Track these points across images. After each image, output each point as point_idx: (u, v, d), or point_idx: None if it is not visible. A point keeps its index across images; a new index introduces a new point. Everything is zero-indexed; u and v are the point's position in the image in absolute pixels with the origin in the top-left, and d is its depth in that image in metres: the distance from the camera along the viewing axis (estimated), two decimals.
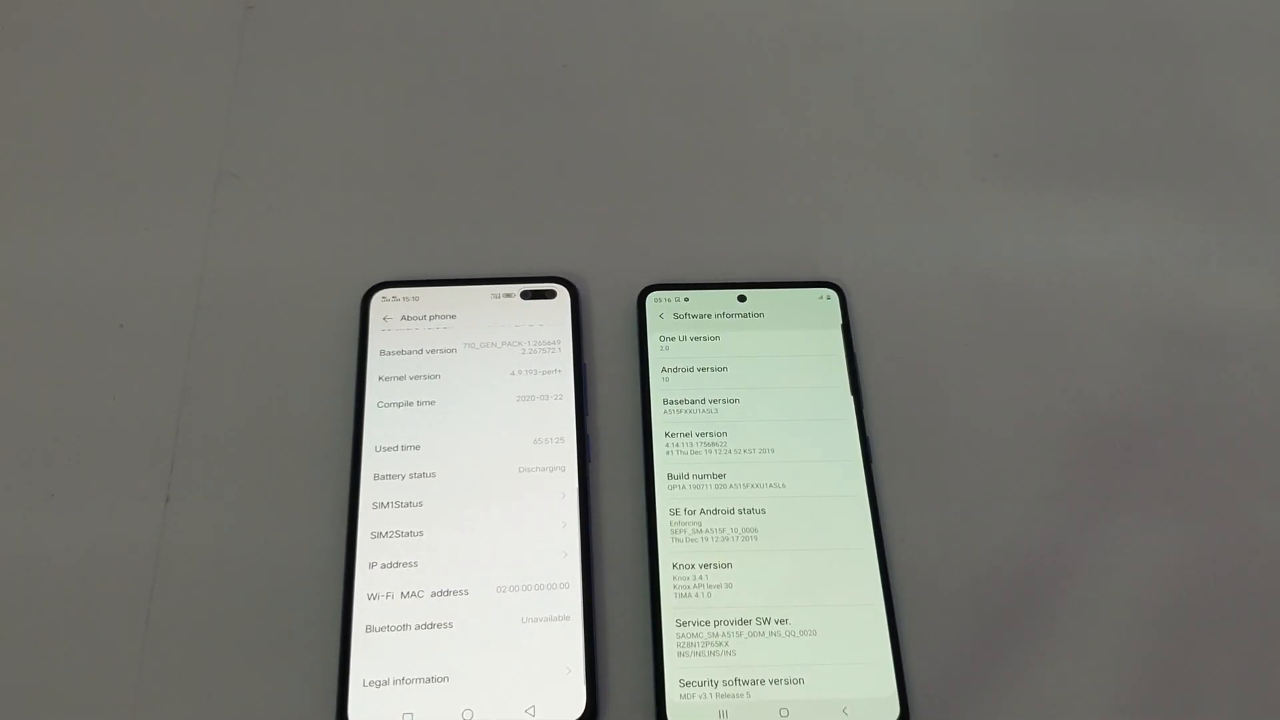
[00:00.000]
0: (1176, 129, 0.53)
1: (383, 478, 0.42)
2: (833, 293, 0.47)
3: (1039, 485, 0.43)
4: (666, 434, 0.43)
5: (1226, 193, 0.51)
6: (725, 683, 0.38)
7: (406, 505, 0.41)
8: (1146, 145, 0.52)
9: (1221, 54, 0.55)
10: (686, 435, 0.43)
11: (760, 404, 0.44)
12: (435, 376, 0.44)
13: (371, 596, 0.39)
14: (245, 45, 0.53)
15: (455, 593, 0.39)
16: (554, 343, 0.45)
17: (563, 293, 0.46)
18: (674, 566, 0.40)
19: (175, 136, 0.51)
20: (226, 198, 0.49)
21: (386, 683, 0.38)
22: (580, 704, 0.38)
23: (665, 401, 0.44)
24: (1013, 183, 0.51)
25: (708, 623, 0.39)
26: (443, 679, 0.38)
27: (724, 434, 0.43)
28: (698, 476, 0.42)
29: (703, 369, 0.45)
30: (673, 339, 0.46)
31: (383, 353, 0.44)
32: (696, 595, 0.40)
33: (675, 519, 0.41)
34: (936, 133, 0.52)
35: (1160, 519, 0.43)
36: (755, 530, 0.41)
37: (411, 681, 0.38)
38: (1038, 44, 0.55)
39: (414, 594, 0.39)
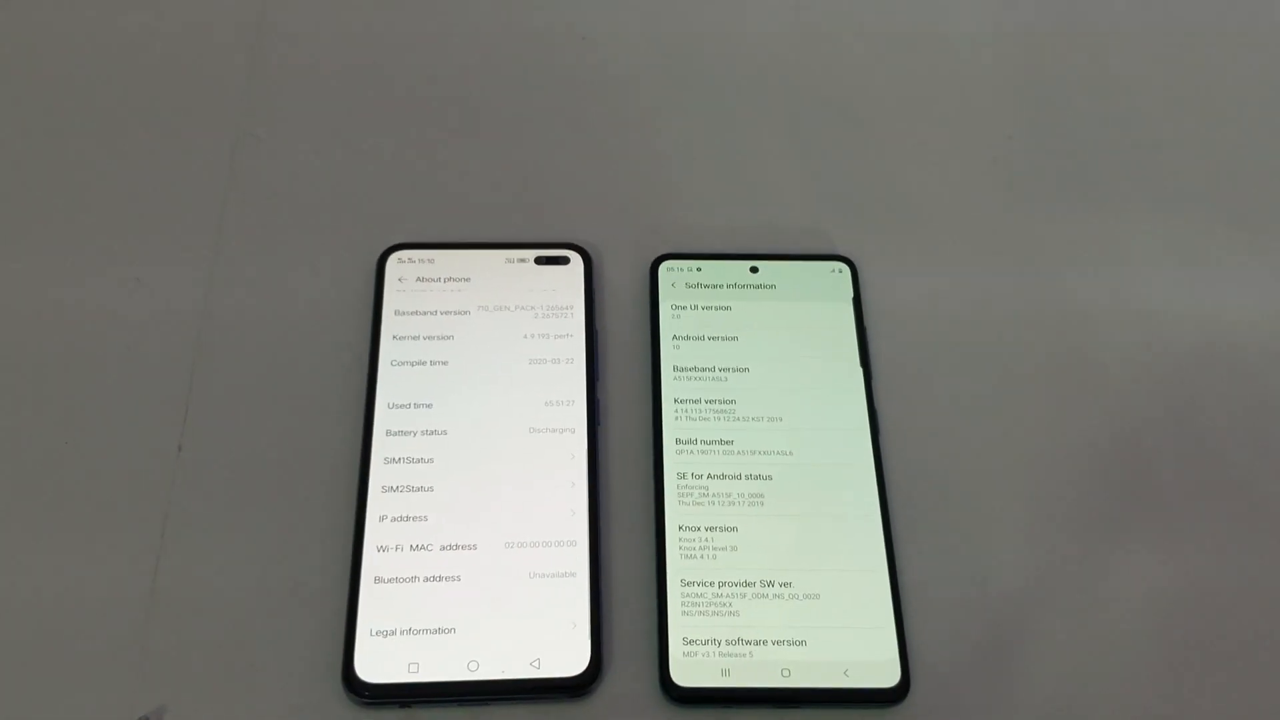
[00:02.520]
0: (1182, 122, 0.53)
1: (395, 434, 0.42)
2: (845, 266, 0.47)
3: (1045, 461, 0.44)
4: (676, 400, 0.44)
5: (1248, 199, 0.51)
6: (728, 642, 0.39)
7: (418, 461, 0.42)
8: (1157, 129, 0.53)
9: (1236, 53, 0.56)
10: (695, 402, 0.44)
11: (770, 373, 0.44)
12: (449, 337, 0.44)
13: (381, 549, 0.40)
14: (267, 6, 0.54)
15: (464, 547, 0.40)
16: (567, 308, 0.46)
17: (576, 259, 0.47)
18: (680, 528, 0.41)
19: (195, 96, 0.51)
20: (245, 157, 0.50)
21: (394, 633, 0.38)
22: (584, 659, 0.38)
23: (675, 369, 0.44)
24: (1026, 161, 0.51)
25: (712, 584, 0.40)
26: (449, 630, 0.38)
27: (733, 402, 0.44)
28: (706, 442, 0.43)
29: (713, 338, 0.45)
30: (684, 308, 0.46)
31: (397, 312, 0.45)
32: (702, 557, 0.40)
33: (682, 482, 0.42)
34: (950, 111, 0.53)
35: (1169, 495, 0.43)
36: (761, 495, 0.42)
37: (419, 632, 0.38)
38: (1052, 23, 0.56)
39: (423, 547, 0.40)
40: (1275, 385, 0.46)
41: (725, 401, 0.44)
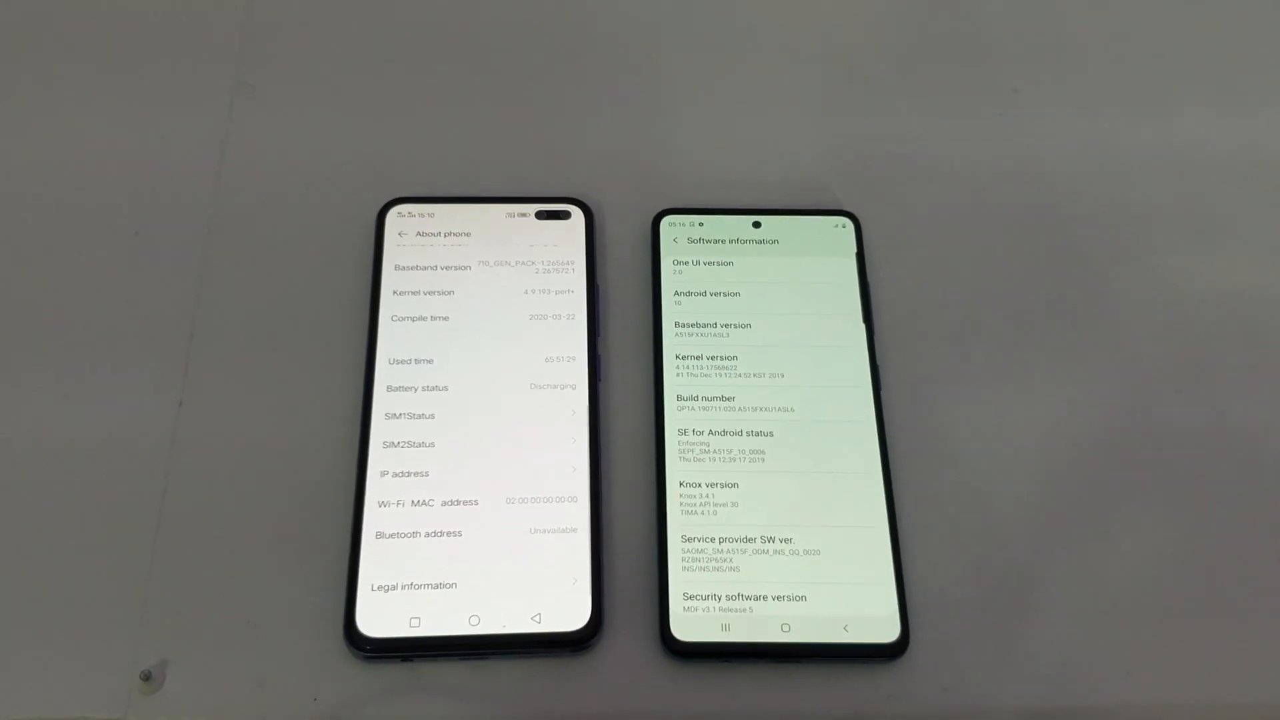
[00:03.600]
0: (1195, 80, 0.53)
1: (396, 389, 0.42)
2: (848, 221, 0.47)
3: (1047, 418, 0.44)
4: (677, 356, 0.44)
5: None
6: (729, 597, 0.39)
7: (419, 417, 0.41)
8: (1170, 85, 0.52)
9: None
10: (697, 358, 0.44)
11: (772, 329, 0.44)
12: (449, 292, 0.44)
13: (382, 504, 0.40)
14: None
15: (465, 503, 0.40)
16: (568, 263, 0.45)
17: (577, 214, 0.46)
18: (680, 484, 0.41)
19: (192, 46, 0.51)
20: (243, 109, 0.49)
21: (395, 588, 0.38)
22: (585, 614, 0.38)
23: (677, 324, 0.44)
24: (1031, 118, 0.51)
25: (713, 539, 0.40)
26: (451, 585, 0.38)
27: (734, 358, 0.44)
28: (707, 399, 0.43)
29: (715, 293, 0.45)
30: (686, 263, 0.46)
31: (397, 267, 0.45)
32: (702, 513, 0.40)
33: (683, 439, 0.42)
34: (956, 65, 0.52)
35: (1174, 452, 0.43)
36: (762, 452, 0.42)
37: (420, 587, 0.38)
38: None
39: (424, 503, 0.40)
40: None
41: (727, 358, 0.44)
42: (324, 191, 0.47)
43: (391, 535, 0.39)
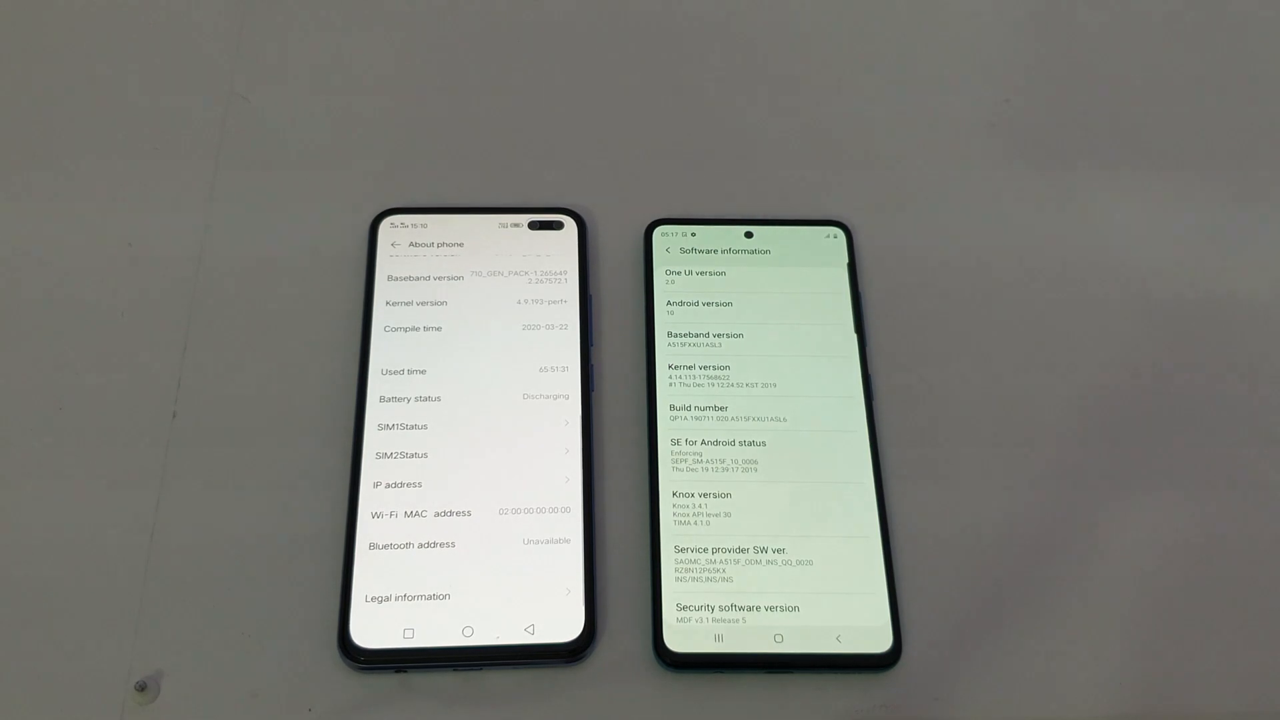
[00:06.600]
0: (1177, 84, 0.53)
1: (389, 400, 0.42)
2: (840, 231, 0.47)
3: (1039, 428, 0.44)
4: (670, 366, 0.44)
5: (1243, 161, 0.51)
6: (721, 608, 0.39)
7: (412, 427, 0.42)
8: (1153, 91, 0.52)
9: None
10: (689, 368, 0.44)
11: (764, 339, 0.44)
12: (442, 303, 0.44)
13: (375, 515, 0.40)
14: None
15: (458, 513, 0.40)
16: (560, 273, 0.45)
17: (570, 224, 0.46)
18: (674, 494, 0.41)
19: (186, 58, 0.51)
20: (237, 120, 0.49)
21: (389, 599, 0.38)
22: (579, 624, 0.38)
23: (669, 334, 0.44)
24: (1022, 128, 0.51)
25: (706, 549, 0.40)
26: (444, 596, 0.39)
27: (727, 368, 0.44)
28: (700, 408, 0.43)
29: (708, 303, 0.45)
30: (679, 273, 0.46)
31: (390, 278, 0.45)
32: (696, 523, 0.40)
33: (676, 449, 0.42)
34: (947, 75, 0.52)
35: (1164, 456, 0.43)
36: (755, 462, 0.42)
37: (413, 598, 0.38)
38: None
39: (417, 514, 0.40)
40: (1269, 338, 0.46)
41: (719, 367, 0.44)
42: (317, 202, 0.47)
43: (385, 546, 0.39)
